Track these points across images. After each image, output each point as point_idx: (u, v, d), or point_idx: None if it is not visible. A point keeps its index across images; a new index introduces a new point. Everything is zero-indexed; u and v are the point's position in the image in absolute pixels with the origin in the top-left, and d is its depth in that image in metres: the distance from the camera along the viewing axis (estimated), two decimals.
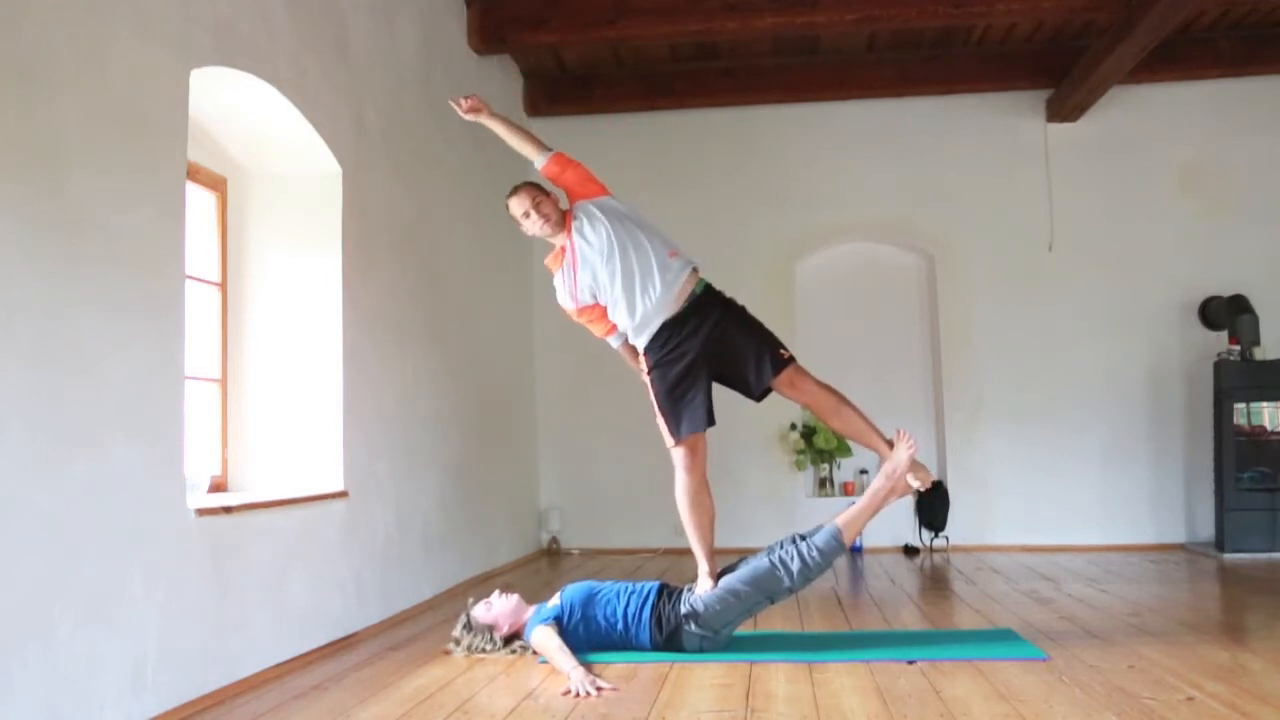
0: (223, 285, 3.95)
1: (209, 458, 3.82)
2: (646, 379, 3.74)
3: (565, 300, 3.83)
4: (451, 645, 3.63)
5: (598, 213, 3.72)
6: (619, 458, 6.87)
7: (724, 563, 3.68)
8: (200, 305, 3.75)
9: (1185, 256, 6.58)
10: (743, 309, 3.77)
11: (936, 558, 6.27)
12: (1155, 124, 6.67)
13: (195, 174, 3.69)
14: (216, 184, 3.93)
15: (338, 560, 3.89)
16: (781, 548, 3.53)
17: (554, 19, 5.75)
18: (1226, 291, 6.44)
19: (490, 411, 5.94)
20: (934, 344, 6.88)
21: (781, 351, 3.68)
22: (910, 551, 6.55)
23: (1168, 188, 6.65)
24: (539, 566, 6.17)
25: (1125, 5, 5.32)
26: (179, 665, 2.87)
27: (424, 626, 4.21)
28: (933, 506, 6.55)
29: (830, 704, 2.82)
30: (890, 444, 3.64)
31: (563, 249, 3.76)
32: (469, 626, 3.62)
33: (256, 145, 3.92)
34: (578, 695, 2.97)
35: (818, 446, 6.69)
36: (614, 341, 3.88)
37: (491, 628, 3.61)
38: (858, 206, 6.90)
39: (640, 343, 3.72)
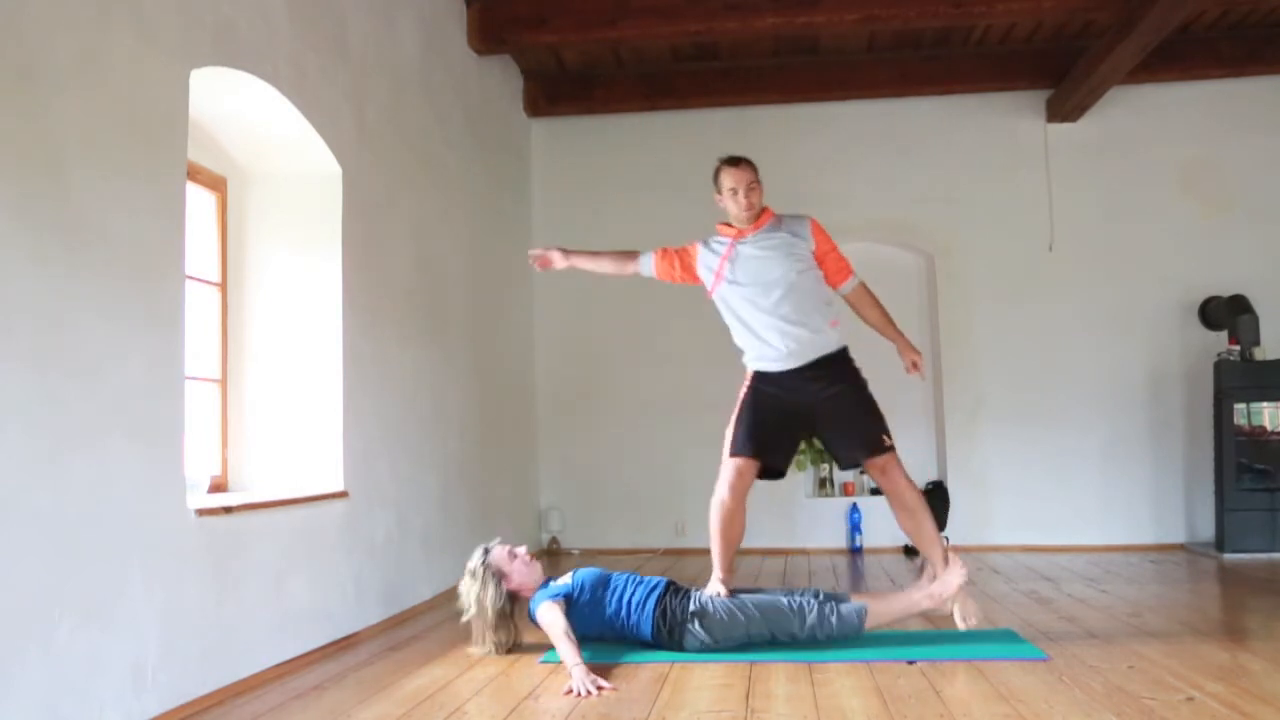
0: (223, 285, 3.95)
1: (209, 458, 3.82)
2: (742, 391, 3.77)
3: (695, 273, 3.83)
4: (466, 576, 3.61)
5: (791, 249, 3.70)
6: (619, 458, 6.87)
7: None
8: (200, 305, 3.75)
9: (1185, 256, 6.58)
10: (864, 385, 3.78)
11: None
12: (1155, 124, 6.67)
13: (195, 174, 3.69)
14: (216, 184, 3.93)
15: (338, 560, 3.89)
16: (803, 594, 3.56)
17: (554, 19, 5.75)
18: (1226, 291, 6.43)
19: (490, 411, 5.94)
20: (934, 344, 6.87)
21: (885, 438, 3.69)
22: (910, 552, 6.54)
23: (1168, 188, 6.64)
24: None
25: (1125, 5, 5.32)
26: (179, 665, 2.87)
27: (424, 627, 4.21)
28: (932, 506, 6.52)
29: (830, 704, 2.82)
30: (947, 561, 3.66)
31: (739, 233, 3.75)
32: (486, 563, 3.60)
33: (256, 145, 3.92)
34: (579, 695, 2.97)
35: (818, 447, 6.68)
36: (645, 271, 3.95)
37: (501, 575, 3.59)
38: (858, 206, 6.89)
39: (751, 366, 3.76)
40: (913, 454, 6.87)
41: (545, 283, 7.09)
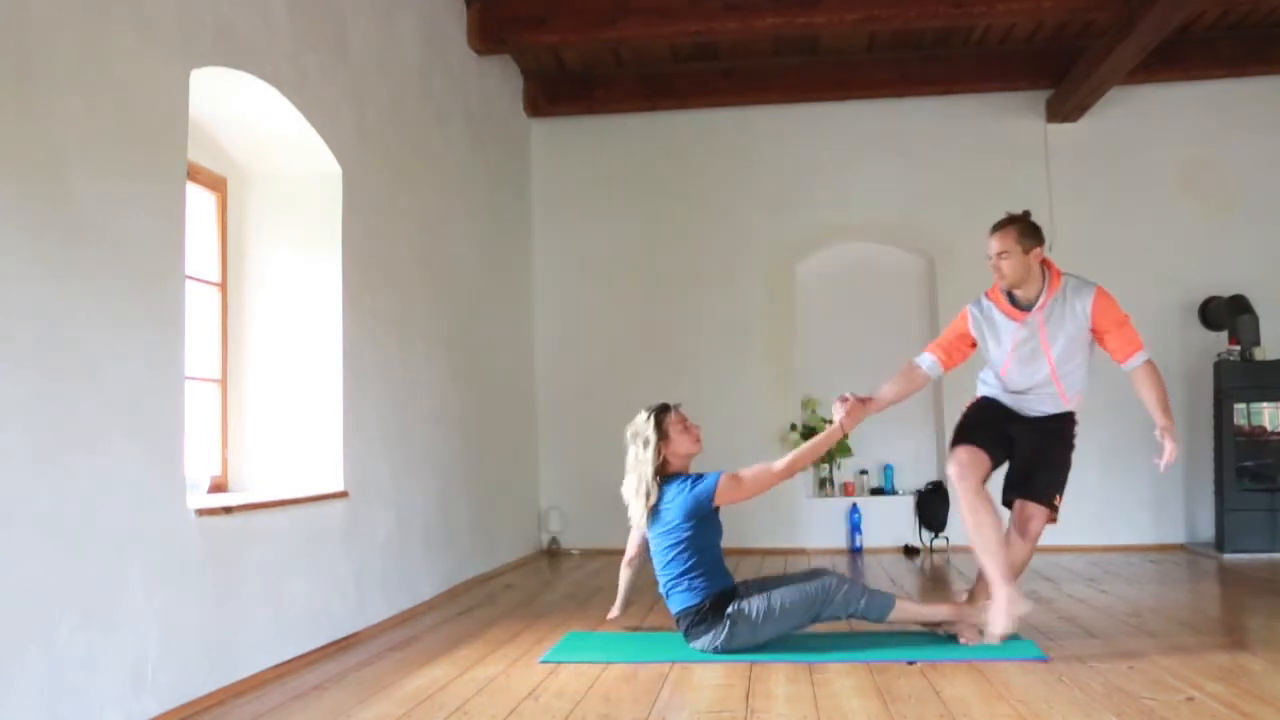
0: (223, 285, 3.95)
1: (209, 458, 3.82)
2: (971, 404, 3.87)
3: (991, 358, 3.73)
4: (638, 419, 3.73)
5: (1069, 339, 3.63)
6: (619, 458, 6.83)
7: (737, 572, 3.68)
8: (200, 305, 3.75)
9: (1185, 256, 6.58)
10: (1071, 445, 3.77)
11: (936, 558, 6.27)
12: (1155, 124, 6.67)
13: (195, 174, 3.69)
14: (216, 184, 3.93)
15: (338, 560, 3.89)
16: (827, 577, 3.56)
17: (554, 19, 5.75)
18: (1226, 291, 6.43)
19: (490, 411, 5.94)
20: None
21: (1056, 498, 3.68)
22: (910, 552, 6.55)
23: (1168, 188, 6.64)
24: (539, 566, 6.16)
25: (1125, 5, 5.32)
26: (179, 665, 2.87)
27: (424, 627, 4.21)
28: (933, 506, 6.54)
29: (830, 704, 2.82)
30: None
31: (1022, 319, 3.62)
32: (659, 423, 3.65)
33: (256, 145, 3.92)
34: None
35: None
36: (929, 368, 3.82)
37: (665, 436, 3.63)
38: (858, 207, 6.89)
39: (984, 390, 3.83)
40: (914, 455, 6.89)
41: (545, 283, 7.10)
